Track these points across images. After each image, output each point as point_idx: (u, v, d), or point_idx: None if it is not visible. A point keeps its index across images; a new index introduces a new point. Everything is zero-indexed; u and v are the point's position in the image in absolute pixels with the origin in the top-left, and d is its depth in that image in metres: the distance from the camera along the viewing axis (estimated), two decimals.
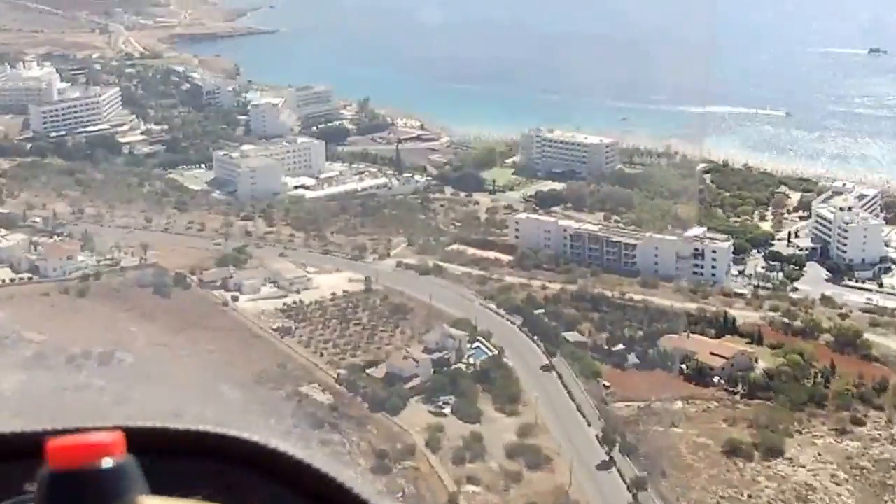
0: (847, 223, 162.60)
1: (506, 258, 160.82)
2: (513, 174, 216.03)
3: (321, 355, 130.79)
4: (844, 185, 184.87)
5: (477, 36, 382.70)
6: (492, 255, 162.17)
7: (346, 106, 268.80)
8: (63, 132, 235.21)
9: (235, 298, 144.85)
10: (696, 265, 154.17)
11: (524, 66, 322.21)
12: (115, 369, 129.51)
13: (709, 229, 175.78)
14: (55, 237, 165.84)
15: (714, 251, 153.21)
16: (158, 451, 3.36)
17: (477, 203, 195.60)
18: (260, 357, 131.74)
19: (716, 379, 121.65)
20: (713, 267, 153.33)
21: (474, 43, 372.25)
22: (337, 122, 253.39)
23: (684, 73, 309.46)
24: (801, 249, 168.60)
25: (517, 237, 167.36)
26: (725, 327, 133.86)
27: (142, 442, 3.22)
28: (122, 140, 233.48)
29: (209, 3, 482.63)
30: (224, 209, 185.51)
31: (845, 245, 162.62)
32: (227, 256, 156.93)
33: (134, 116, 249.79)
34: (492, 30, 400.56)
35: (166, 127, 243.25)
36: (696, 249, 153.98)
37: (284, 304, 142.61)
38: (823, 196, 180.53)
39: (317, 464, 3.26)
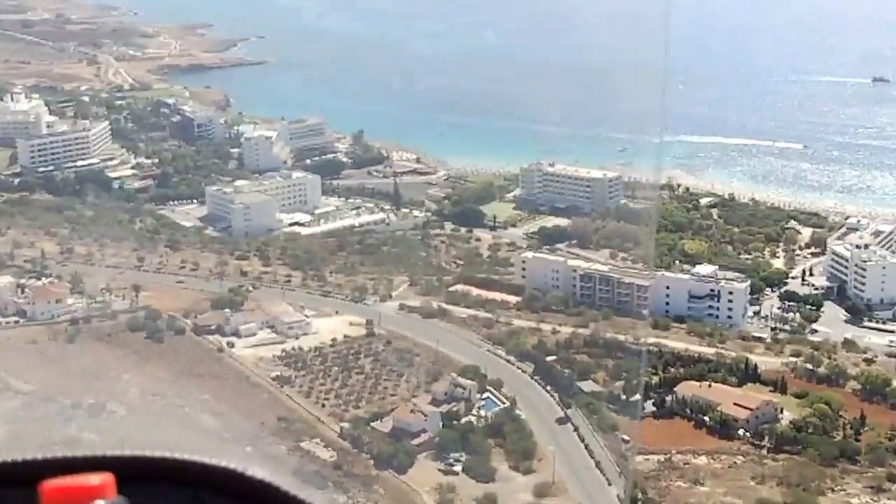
0: (865, 261, 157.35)
1: (512, 299, 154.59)
2: (514, 209, 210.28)
3: (323, 406, 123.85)
4: (859, 220, 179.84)
5: (468, 67, 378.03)
6: (497, 296, 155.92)
7: (340, 139, 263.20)
8: (51, 167, 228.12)
9: (232, 344, 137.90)
10: (711, 306, 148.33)
11: (517, 97, 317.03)
12: (107, 422, 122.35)
13: (720, 267, 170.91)
14: (43, 279, 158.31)
15: (730, 292, 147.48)
16: (149, 481, 3.74)
17: (478, 240, 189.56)
18: (258, 409, 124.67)
19: (741, 431, 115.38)
20: (729, 309, 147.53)
21: (465, 74, 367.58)
22: (331, 156, 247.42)
23: (683, 104, 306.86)
24: (816, 288, 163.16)
25: (524, 277, 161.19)
26: (747, 374, 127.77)
27: (133, 474, 3.55)
28: (112, 175, 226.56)
29: (198, 33, 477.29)
30: (218, 247, 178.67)
31: (863, 284, 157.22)
32: (222, 299, 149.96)
33: (124, 150, 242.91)
34: (483, 60, 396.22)
35: (157, 161, 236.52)
36: (712, 290, 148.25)
37: (283, 350, 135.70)
38: (838, 232, 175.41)
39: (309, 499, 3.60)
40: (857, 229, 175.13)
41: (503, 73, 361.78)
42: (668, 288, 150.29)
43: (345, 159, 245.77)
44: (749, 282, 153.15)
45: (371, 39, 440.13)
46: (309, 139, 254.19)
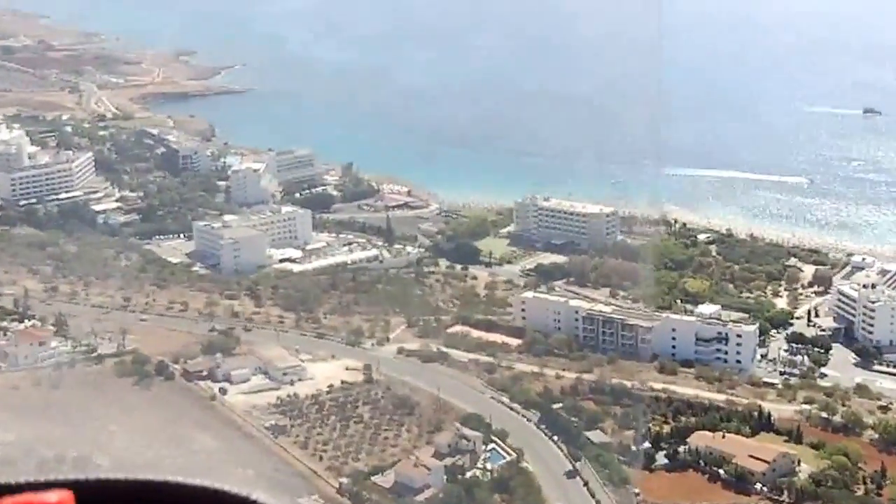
0: (873, 302, 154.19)
1: (513, 342, 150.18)
2: (508, 245, 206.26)
3: (320, 459, 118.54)
4: (864, 259, 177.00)
5: (457, 96, 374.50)
6: (498, 338, 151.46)
7: (330, 171, 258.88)
8: (34, 200, 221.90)
9: (224, 391, 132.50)
10: (719, 350, 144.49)
11: (508, 128, 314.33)
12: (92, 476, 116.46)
13: (723, 307, 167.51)
14: (26, 320, 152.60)
15: (739, 335, 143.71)
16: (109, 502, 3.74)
17: (474, 278, 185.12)
18: (252, 461, 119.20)
19: (758, 486, 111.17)
20: (738, 352, 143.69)
21: (455, 103, 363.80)
22: (321, 189, 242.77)
23: (674, 135, 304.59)
24: (823, 330, 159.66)
25: (524, 318, 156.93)
26: (761, 423, 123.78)
27: (91, 496, 3.57)
28: (96, 208, 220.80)
29: (182, 61, 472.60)
30: (207, 286, 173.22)
31: (872, 325, 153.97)
32: (213, 342, 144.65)
33: (108, 183, 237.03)
34: (473, 89, 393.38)
35: (142, 194, 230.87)
36: (719, 333, 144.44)
37: (278, 397, 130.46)
38: (844, 271, 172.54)
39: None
40: (862, 268, 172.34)
41: (493, 102, 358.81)
42: (674, 330, 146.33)
43: (335, 192, 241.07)
44: (757, 324, 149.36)
45: (359, 67, 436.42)
46: (298, 171, 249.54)
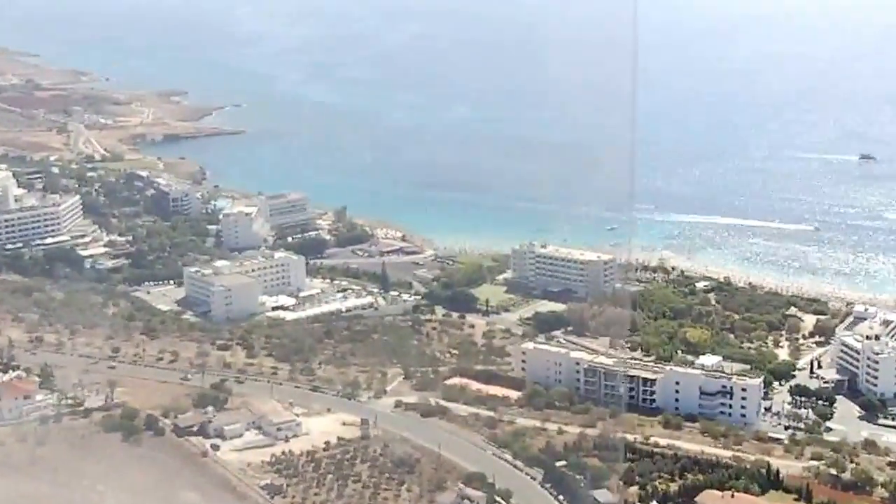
0: (877, 353, 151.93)
1: (513, 394, 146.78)
2: (505, 292, 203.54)
3: None
4: (867, 309, 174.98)
5: (447, 140, 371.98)
6: (498, 390, 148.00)
7: (323, 215, 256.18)
8: (20, 244, 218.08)
9: (216, 447, 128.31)
10: (724, 404, 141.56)
11: (498, 172, 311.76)
12: None
13: (724, 358, 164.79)
14: (10, 371, 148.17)
15: (744, 389, 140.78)
16: None
17: (472, 326, 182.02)
18: None
19: None
20: (743, 406, 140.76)
21: (445, 147, 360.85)
22: (313, 233, 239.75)
23: (669, 181, 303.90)
24: (826, 382, 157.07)
25: (523, 370, 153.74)
26: (769, 481, 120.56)
27: None
28: (84, 253, 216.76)
29: (172, 101, 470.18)
30: (198, 335, 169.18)
31: (875, 378, 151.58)
32: (204, 395, 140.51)
33: (96, 227, 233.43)
34: (462, 134, 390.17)
35: (131, 238, 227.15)
36: (724, 386, 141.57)
37: (272, 455, 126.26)
38: (846, 322, 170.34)
39: None
40: (864, 318, 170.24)
41: (481, 146, 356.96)
42: (677, 383, 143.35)
43: (328, 237, 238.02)
44: (762, 378, 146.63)
45: (348, 109, 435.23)
46: (290, 215, 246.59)
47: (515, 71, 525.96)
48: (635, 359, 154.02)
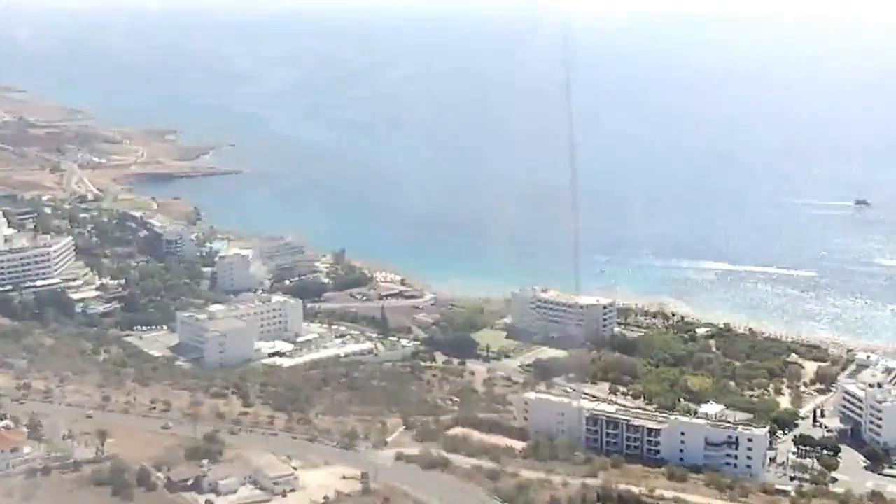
0: (880, 402, 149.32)
1: (517, 445, 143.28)
2: (506, 337, 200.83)
3: None
4: (868, 356, 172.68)
5: (442, 182, 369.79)
6: (500, 440, 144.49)
7: (321, 257, 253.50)
8: (9, 287, 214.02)
9: (210, 503, 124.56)
10: (730, 454, 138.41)
11: (491, 216, 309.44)
12: None
13: (727, 406, 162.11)
14: None
15: (750, 439, 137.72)
16: None
17: (472, 373, 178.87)
18: None
19: None
20: (748, 457, 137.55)
21: (440, 189, 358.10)
22: (311, 276, 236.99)
23: (666, 227, 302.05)
24: (830, 430, 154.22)
25: (526, 419, 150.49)
26: None
27: None
28: (75, 297, 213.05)
29: (167, 140, 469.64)
30: (191, 383, 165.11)
31: (880, 426, 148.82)
32: (198, 447, 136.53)
33: (88, 269, 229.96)
34: (456, 176, 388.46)
35: (123, 281, 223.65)
36: (730, 437, 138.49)
37: None
38: (849, 370, 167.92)
39: None
40: (867, 366, 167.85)
41: (477, 189, 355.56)
42: (682, 434, 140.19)
43: (326, 280, 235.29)
44: (767, 428, 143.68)
45: (343, 150, 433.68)
46: (287, 257, 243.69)
47: (510, 112, 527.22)
48: (639, 408, 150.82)
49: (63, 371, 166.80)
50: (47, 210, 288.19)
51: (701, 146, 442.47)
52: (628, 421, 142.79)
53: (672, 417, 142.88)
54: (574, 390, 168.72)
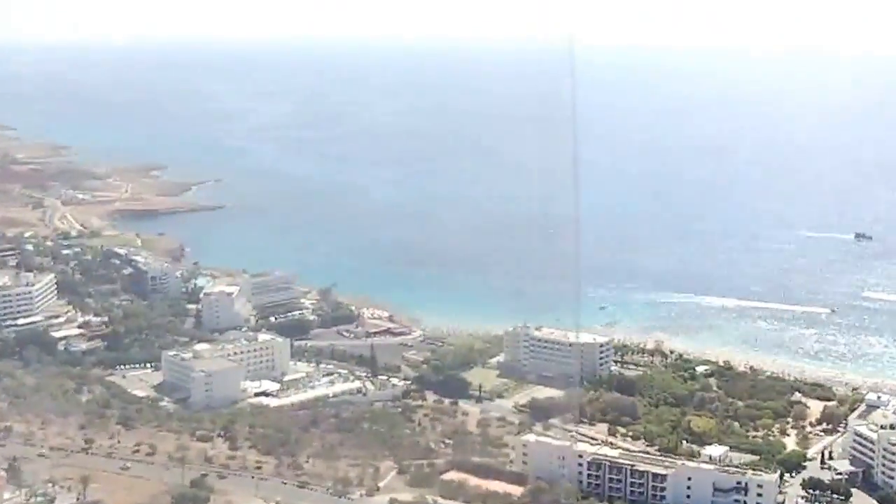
0: (893, 444, 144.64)
1: (515, 490, 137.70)
2: (498, 376, 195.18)
3: None
4: (879, 397, 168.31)
5: (429, 216, 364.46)
6: (498, 486, 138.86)
7: (307, 293, 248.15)
8: None
9: None
10: (738, 500, 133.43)
11: (484, 250, 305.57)
12: None
13: (731, 448, 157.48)
14: None
15: (759, 485, 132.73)
16: None
17: (465, 414, 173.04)
18: None
19: None
20: None
21: (427, 224, 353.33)
22: (297, 313, 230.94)
23: (660, 260, 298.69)
24: (839, 473, 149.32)
25: (524, 463, 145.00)
26: None
27: None
28: (57, 335, 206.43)
29: (151, 175, 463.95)
30: (176, 425, 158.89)
31: (893, 469, 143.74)
32: (185, 493, 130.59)
33: (70, 307, 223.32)
34: (443, 209, 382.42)
35: (106, 319, 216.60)
36: (738, 483, 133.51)
37: None
38: (858, 410, 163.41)
39: None
40: (877, 406, 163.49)
41: (465, 223, 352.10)
42: (689, 479, 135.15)
43: (312, 317, 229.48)
44: (778, 473, 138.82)
45: (328, 185, 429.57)
46: (273, 294, 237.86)
47: (497, 146, 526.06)
48: (643, 452, 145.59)
49: (45, 412, 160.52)
50: (30, 247, 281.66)
51: (687, 176, 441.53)
52: (632, 466, 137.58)
53: (679, 462, 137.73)
54: (572, 432, 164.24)
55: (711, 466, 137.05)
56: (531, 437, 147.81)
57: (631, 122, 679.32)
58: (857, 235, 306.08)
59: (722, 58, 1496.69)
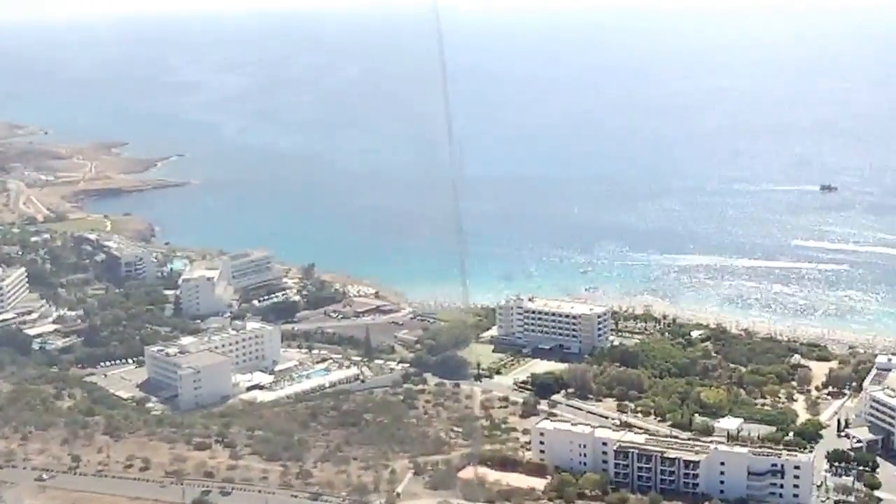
0: None
1: (538, 483, 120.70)
2: (494, 351, 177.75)
3: None
4: (890, 359, 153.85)
5: (401, 184, 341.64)
6: (519, 479, 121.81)
7: (287, 271, 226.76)
8: None
9: None
10: (774, 484, 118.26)
11: (453, 217, 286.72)
12: None
13: (745, 419, 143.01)
14: None
15: (797, 466, 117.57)
16: None
17: (468, 396, 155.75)
18: None
19: None
20: (795, 486, 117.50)
21: (400, 192, 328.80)
22: (281, 294, 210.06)
23: (630, 218, 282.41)
24: (859, 441, 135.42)
25: (542, 450, 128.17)
26: None
27: None
28: (31, 332, 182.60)
29: (114, 153, 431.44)
30: (169, 433, 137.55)
31: None
32: None
33: (43, 301, 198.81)
34: (415, 177, 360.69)
35: (81, 312, 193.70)
36: (774, 465, 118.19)
37: None
38: (871, 375, 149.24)
39: None
40: (888, 369, 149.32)
41: (437, 189, 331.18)
42: (722, 464, 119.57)
43: (296, 297, 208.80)
44: (814, 454, 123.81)
45: (296, 155, 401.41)
46: (254, 276, 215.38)
47: (463, 109, 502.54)
48: (671, 437, 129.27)
49: (25, 426, 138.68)
50: None
51: (650, 133, 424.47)
52: (662, 453, 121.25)
53: (711, 447, 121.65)
54: (579, 409, 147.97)
55: (744, 449, 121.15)
56: (548, 424, 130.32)
57: (587, 83, 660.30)
58: (823, 187, 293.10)
59: (692, 16, 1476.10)
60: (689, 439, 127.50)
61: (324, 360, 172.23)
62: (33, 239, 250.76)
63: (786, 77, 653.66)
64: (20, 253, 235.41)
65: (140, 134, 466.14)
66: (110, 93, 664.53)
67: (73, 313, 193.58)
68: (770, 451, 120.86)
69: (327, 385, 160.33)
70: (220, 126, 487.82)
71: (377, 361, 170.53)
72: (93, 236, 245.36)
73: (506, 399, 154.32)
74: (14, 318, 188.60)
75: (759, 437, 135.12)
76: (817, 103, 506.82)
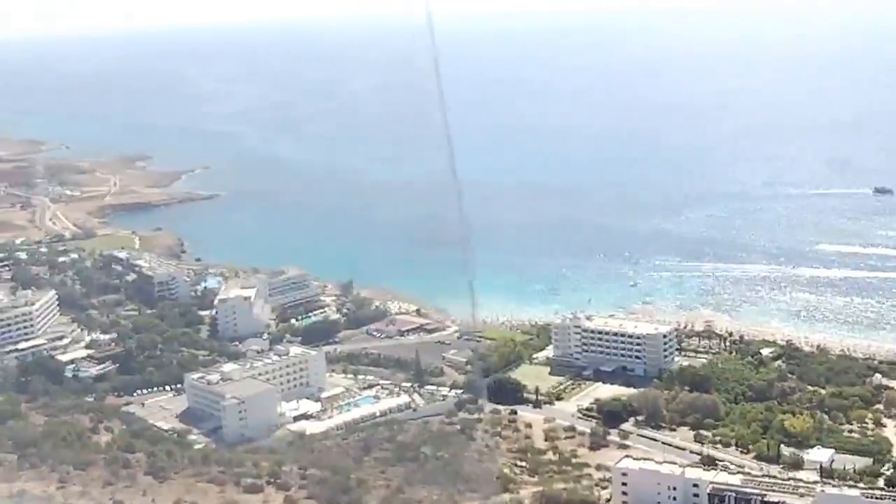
0: None
1: None
2: (550, 373, 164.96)
3: None
4: None
5: (428, 194, 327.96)
6: None
7: (324, 288, 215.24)
8: None
9: None
10: None
11: (490, 226, 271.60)
12: None
13: (836, 450, 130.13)
14: None
15: None
16: None
17: (529, 426, 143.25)
18: None
19: None
20: None
21: (423, 202, 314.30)
22: (320, 313, 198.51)
23: (680, 227, 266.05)
24: None
25: (625, 493, 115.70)
26: None
27: None
28: (63, 358, 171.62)
29: (137, 167, 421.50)
30: (216, 472, 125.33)
31: None
32: None
33: (75, 325, 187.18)
34: (440, 186, 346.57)
35: (115, 335, 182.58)
36: None
37: None
38: None
39: None
40: None
41: (469, 199, 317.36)
42: None
43: (336, 316, 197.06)
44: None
45: (322, 165, 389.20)
46: (291, 294, 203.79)
47: (487, 118, 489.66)
48: (770, 476, 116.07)
49: (62, 466, 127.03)
50: (23, 255, 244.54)
51: (680, 137, 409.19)
52: (762, 496, 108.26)
53: (818, 489, 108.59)
54: (654, 440, 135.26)
55: (855, 492, 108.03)
56: (630, 464, 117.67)
57: (615, 84, 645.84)
58: (877, 190, 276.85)
59: (694, 17, 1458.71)
60: (788, 479, 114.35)
61: (371, 385, 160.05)
62: (62, 259, 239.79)
63: (793, 76, 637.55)
64: (49, 274, 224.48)
65: (162, 146, 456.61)
66: (127, 105, 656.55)
67: (106, 337, 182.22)
68: (883, 493, 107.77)
69: (378, 414, 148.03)
70: (241, 137, 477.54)
71: (428, 387, 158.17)
72: (123, 255, 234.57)
73: (572, 429, 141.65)
74: (45, 343, 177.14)
75: (854, 470, 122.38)
76: (833, 102, 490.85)
